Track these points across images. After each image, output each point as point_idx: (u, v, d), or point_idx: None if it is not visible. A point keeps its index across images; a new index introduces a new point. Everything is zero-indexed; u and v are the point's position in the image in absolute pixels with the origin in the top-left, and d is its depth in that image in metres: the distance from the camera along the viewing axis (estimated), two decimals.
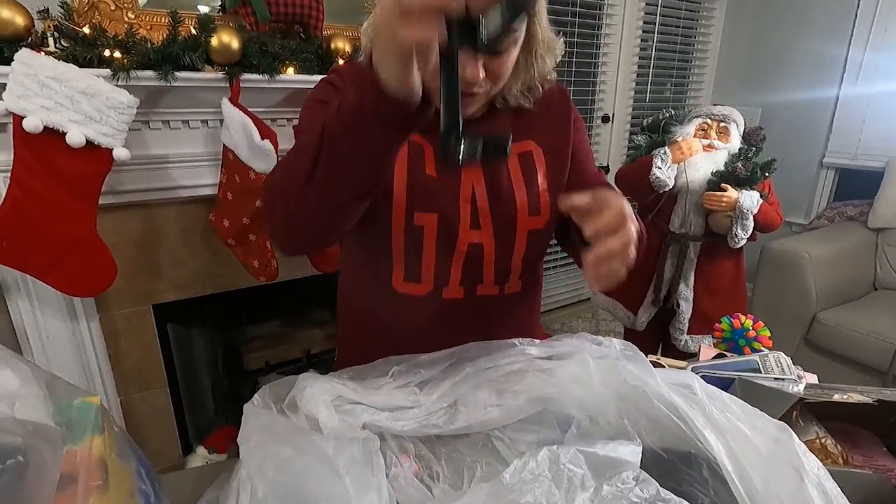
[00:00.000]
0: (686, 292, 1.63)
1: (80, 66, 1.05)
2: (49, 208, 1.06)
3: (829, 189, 2.74)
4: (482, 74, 0.59)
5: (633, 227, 0.51)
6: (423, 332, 0.71)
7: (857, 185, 2.59)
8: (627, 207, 0.52)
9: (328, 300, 2.10)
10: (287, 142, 1.35)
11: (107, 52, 1.08)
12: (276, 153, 1.22)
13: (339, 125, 0.49)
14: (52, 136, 1.01)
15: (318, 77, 1.31)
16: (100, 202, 1.16)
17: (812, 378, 0.84)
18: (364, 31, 0.68)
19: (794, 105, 2.73)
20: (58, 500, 0.41)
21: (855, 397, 0.63)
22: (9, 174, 1.05)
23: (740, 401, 0.50)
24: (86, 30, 1.08)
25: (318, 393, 0.54)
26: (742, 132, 1.56)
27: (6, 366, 0.48)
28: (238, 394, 1.89)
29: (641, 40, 2.58)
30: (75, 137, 1.02)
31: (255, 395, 0.57)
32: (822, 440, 0.67)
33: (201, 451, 1.57)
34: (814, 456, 0.44)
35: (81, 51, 1.05)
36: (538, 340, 0.68)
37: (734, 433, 0.44)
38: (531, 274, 0.78)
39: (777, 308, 2.17)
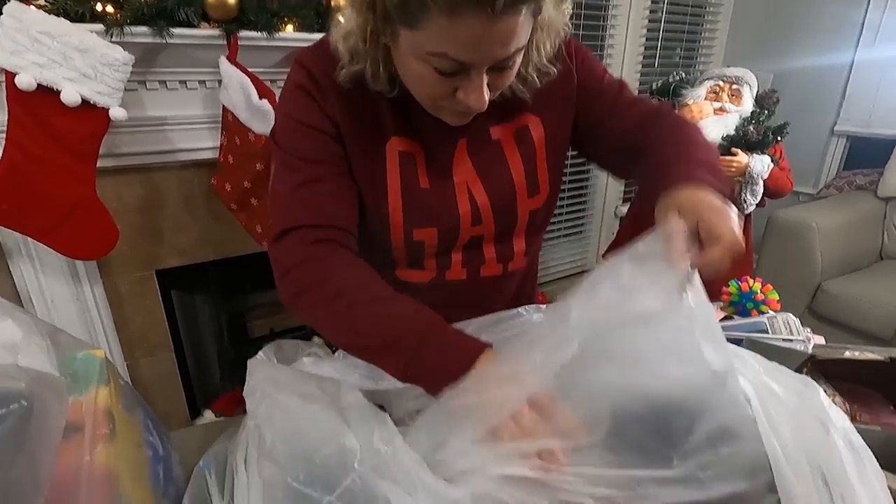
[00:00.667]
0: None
1: (72, 20, 1.01)
2: (47, 169, 1.04)
3: (840, 158, 2.68)
4: (487, 95, 0.53)
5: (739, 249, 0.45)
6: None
7: (868, 155, 2.53)
8: (735, 234, 0.45)
9: None
10: None
11: (98, 6, 1.04)
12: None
13: (402, 370, 0.50)
14: (47, 94, 0.99)
15: (318, 35, 1.28)
16: (98, 165, 1.14)
17: (819, 340, 0.84)
18: (342, 37, 0.56)
19: (806, 70, 2.64)
20: (64, 447, 0.41)
21: (867, 355, 0.63)
22: (4, 134, 1.03)
23: (761, 357, 0.49)
24: None
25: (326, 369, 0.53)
26: (755, 95, 1.52)
27: (7, 316, 0.48)
28: (243, 361, 1.88)
29: (652, 2, 2.49)
30: (70, 96, 0.99)
31: (260, 352, 0.56)
32: (832, 398, 0.67)
33: (208, 414, 1.59)
34: (838, 409, 0.43)
35: (72, 4, 1.01)
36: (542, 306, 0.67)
37: (760, 386, 0.44)
38: (535, 247, 0.76)
39: (782, 277, 2.16)
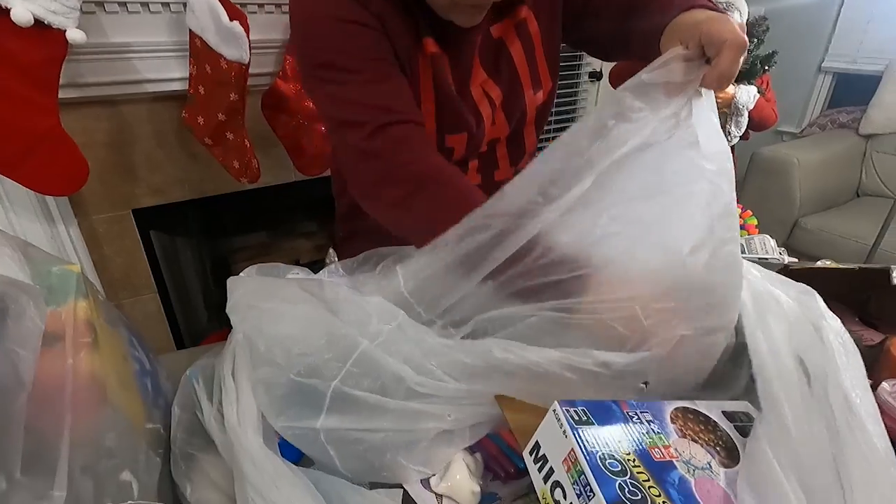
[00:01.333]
0: None
1: None
2: (7, 99, 0.98)
3: (825, 96, 2.67)
4: None
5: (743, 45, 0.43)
6: None
7: (853, 92, 2.53)
8: (737, 32, 0.43)
9: (315, 210, 2.07)
10: (260, 31, 1.25)
11: None
12: (249, 39, 1.12)
13: None
14: None
15: None
16: (61, 96, 1.08)
17: (793, 260, 0.86)
18: None
19: (797, 5, 2.58)
20: (45, 353, 0.41)
21: (838, 265, 0.65)
22: None
23: (762, 268, 0.51)
24: None
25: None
26: (745, 22, 1.48)
27: None
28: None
29: None
30: (21, 15, 0.92)
31: (242, 272, 0.55)
32: None
33: None
34: (834, 315, 0.45)
35: None
36: None
37: (758, 290, 0.45)
38: (534, 145, 0.78)
39: (761, 213, 2.16)
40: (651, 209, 0.42)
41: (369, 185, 0.58)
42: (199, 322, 1.79)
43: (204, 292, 1.79)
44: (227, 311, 0.51)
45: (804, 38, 2.58)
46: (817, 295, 0.50)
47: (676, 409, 0.44)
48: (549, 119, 0.78)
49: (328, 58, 0.55)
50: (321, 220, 2.03)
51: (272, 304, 0.46)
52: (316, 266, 1.98)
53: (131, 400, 0.48)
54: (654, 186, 0.42)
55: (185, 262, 1.70)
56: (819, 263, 0.65)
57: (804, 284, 0.52)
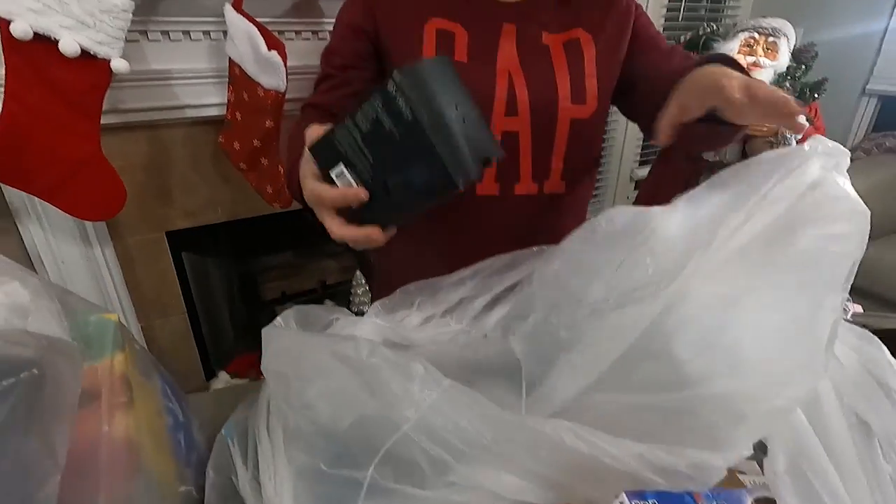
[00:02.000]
0: None
1: None
2: (49, 124, 1.00)
3: (870, 119, 2.56)
4: None
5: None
6: (458, 236, 0.71)
7: None
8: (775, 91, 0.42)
9: None
10: (297, 58, 1.25)
11: None
12: (286, 68, 1.12)
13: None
14: (45, 43, 0.93)
15: None
16: (103, 122, 1.09)
17: (858, 308, 0.80)
18: None
19: (839, 26, 2.49)
20: (80, 417, 0.39)
21: None
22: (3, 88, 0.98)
23: None
24: None
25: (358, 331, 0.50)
26: (792, 48, 1.42)
27: (14, 279, 0.45)
28: (256, 323, 1.90)
29: None
30: (68, 45, 0.93)
31: (278, 318, 0.53)
32: None
33: (223, 375, 1.60)
34: None
35: None
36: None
37: None
38: (577, 174, 0.73)
39: None
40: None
41: None
42: (227, 341, 1.79)
43: (231, 312, 1.79)
44: (262, 368, 0.49)
45: (847, 59, 2.48)
46: (882, 345, 0.45)
47: (757, 498, 0.40)
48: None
49: (324, 60, 0.72)
50: None
51: (302, 371, 0.44)
52: (342, 286, 1.96)
53: (165, 461, 0.46)
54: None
55: (214, 282, 1.71)
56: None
57: (865, 329, 0.46)
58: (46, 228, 1.21)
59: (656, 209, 0.46)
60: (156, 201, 1.35)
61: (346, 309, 0.58)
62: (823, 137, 0.41)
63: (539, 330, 0.55)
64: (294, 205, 1.40)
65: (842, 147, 0.41)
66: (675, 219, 0.44)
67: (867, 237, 0.36)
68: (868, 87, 2.49)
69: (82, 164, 1.06)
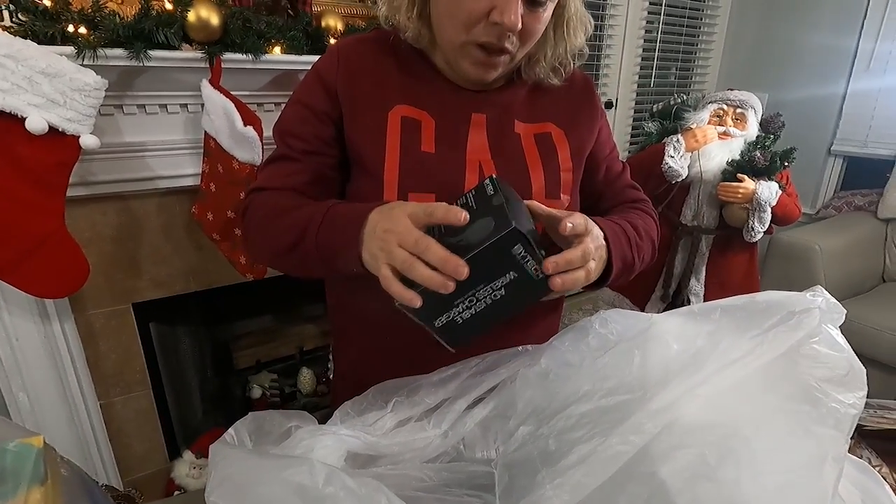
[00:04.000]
0: (697, 287, 1.56)
1: (41, 42, 0.94)
2: (10, 202, 0.96)
3: (837, 178, 2.66)
4: (519, 20, 0.55)
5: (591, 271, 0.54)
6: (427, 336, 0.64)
7: (865, 174, 2.51)
8: (594, 244, 0.54)
9: (321, 294, 2.02)
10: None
11: (70, 28, 0.97)
12: (262, 141, 1.12)
13: (317, 256, 0.57)
14: (10, 121, 0.91)
15: (308, 58, 1.21)
16: (70, 194, 1.06)
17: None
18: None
19: (802, 91, 2.63)
20: None
21: None
22: None
23: None
24: (47, 2, 0.96)
25: (322, 453, 0.45)
26: (759, 119, 1.48)
27: None
28: (228, 394, 1.81)
29: (647, 22, 2.47)
30: (36, 123, 0.91)
31: (230, 430, 0.48)
32: (877, 468, 0.60)
33: (188, 455, 1.48)
34: None
35: (42, 26, 0.94)
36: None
37: None
38: None
39: None
40: None
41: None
42: (195, 417, 1.68)
43: (201, 384, 1.70)
44: (206, 497, 0.43)
45: (812, 123, 2.61)
46: (882, 480, 0.41)
47: None
48: None
49: (279, 134, 0.68)
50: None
51: None
52: (320, 352, 1.88)
53: None
54: None
55: (183, 353, 1.62)
56: None
57: (864, 462, 0.44)
58: (1, 304, 1.14)
59: (656, 316, 0.45)
60: (123, 272, 1.30)
61: (305, 413, 0.53)
62: (824, 291, 0.42)
63: (521, 443, 0.50)
64: (269, 272, 1.36)
65: (840, 305, 0.42)
66: (671, 328, 0.42)
67: (866, 395, 0.36)
68: (833, 148, 2.60)
69: (43, 241, 1.01)
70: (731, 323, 0.42)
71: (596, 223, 0.57)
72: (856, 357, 0.39)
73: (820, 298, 0.42)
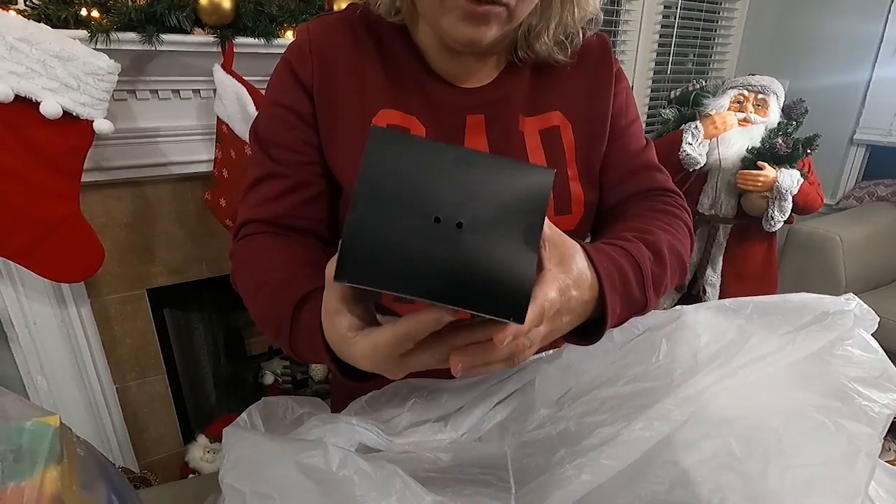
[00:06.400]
0: (713, 278, 1.53)
1: (54, 26, 0.93)
2: (26, 186, 0.96)
3: (859, 167, 2.59)
4: None
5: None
6: None
7: (888, 164, 2.44)
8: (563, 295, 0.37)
9: None
10: None
11: (84, 12, 0.96)
12: None
13: (295, 352, 0.46)
14: (25, 105, 0.91)
15: None
16: (85, 180, 1.07)
17: None
18: None
19: (823, 78, 2.56)
20: None
21: None
22: None
23: None
24: None
25: (332, 440, 0.44)
26: (781, 105, 1.44)
27: None
28: (241, 379, 1.83)
29: (664, 7, 2.41)
30: (51, 107, 0.92)
31: (243, 414, 0.48)
32: None
33: (202, 439, 1.50)
34: None
35: (55, 9, 0.94)
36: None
37: None
38: None
39: (804, 292, 2.07)
40: None
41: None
42: (208, 402, 1.70)
43: (214, 370, 1.72)
44: (219, 477, 0.43)
45: (834, 110, 2.53)
46: None
47: None
48: None
49: (256, 138, 0.58)
50: None
51: (262, 487, 0.38)
52: None
53: None
54: None
55: (196, 339, 1.64)
56: None
57: None
58: (20, 290, 1.15)
59: (685, 308, 0.44)
60: (138, 258, 1.31)
61: (318, 400, 0.53)
62: (857, 297, 0.42)
63: (539, 423, 0.50)
64: None
65: (873, 312, 0.41)
66: (701, 320, 0.41)
67: None
68: (856, 136, 2.53)
69: (59, 225, 1.02)
70: (762, 319, 0.41)
71: (591, 260, 0.40)
72: (889, 361, 0.38)
73: (854, 303, 0.41)
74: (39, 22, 0.92)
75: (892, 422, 0.57)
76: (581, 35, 0.56)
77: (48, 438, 0.42)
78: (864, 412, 0.32)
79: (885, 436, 0.59)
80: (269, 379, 1.79)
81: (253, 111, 1.05)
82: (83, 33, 0.95)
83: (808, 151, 1.38)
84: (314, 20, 0.57)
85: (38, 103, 0.92)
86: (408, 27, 0.56)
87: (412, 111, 0.55)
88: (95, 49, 0.96)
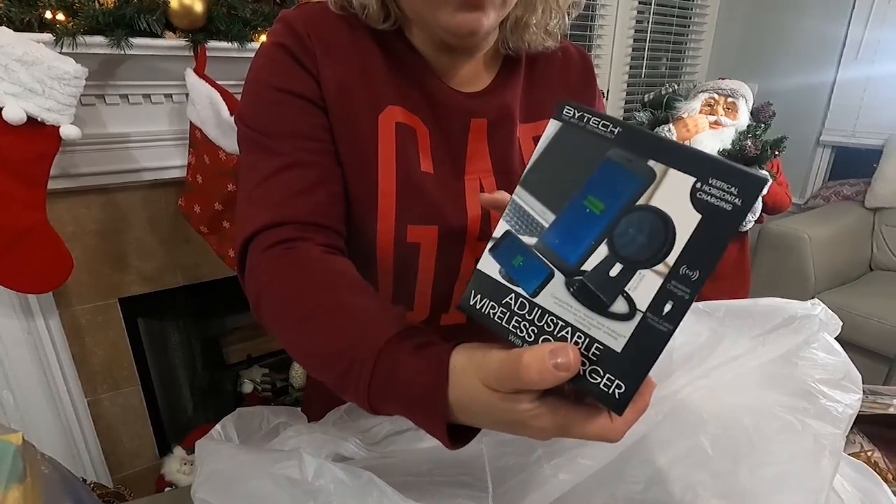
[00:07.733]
0: None
1: (17, 30, 0.91)
2: None
3: (825, 168, 2.68)
4: None
5: None
6: None
7: (853, 164, 2.54)
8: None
9: None
10: None
11: (48, 14, 0.94)
12: None
13: (373, 404, 0.36)
14: None
15: None
16: (52, 187, 1.04)
17: None
18: None
19: (791, 81, 2.64)
20: None
21: None
22: None
23: None
24: None
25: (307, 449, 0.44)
26: (750, 108, 1.48)
27: None
28: (219, 389, 1.79)
29: (638, 12, 2.46)
30: (13, 113, 0.89)
31: (217, 426, 0.47)
32: (869, 453, 0.60)
33: (179, 451, 1.47)
34: None
35: (18, 12, 0.91)
36: None
37: None
38: None
39: (774, 291, 2.13)
40: None
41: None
42: (185, 413, 1.66)
43: (191, 380, 1.68)
44: (192, 491, 0.42)
45: (801, 113, 2.62)
46: (881, 480, 0.42)
47: None
48: None
49: (255, 128, 0.49)
50: None
51: (235, 502, 0.37)
52: None
53: None
54: None
55: (172, 348, 1.60)
56: (892, 410, 0.56)
57: (864, 464, 0.44)
58: None
59: None
60: (109, 267, 1.27)
61: (296, 410, 0.52)
62: (822, 304, 0.43)
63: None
64: None
65: (837, 317, 0.43)
66: None
67: (861, 399, 0.36)
68: (822, 138, 2.62)
69: (24, 234, 0.99)
70: (734, 322, 0.42)
71: None
72: (852, 363, 0.40)
73: (819, 308, 0.43)
74: (1, 25, 0.89)
75: (858, 415, 0.59)
76: (567, 18, 0.55)
77: (9, 457, 0.40)
78: (828, 412, 0.34)
79: (851, 429, 0.61)
80: (248, 387, 1.76)
81: (227, 115, 1.03)
82: (48, 37, 0.93)
83: (777, 153, 1.42)
84: (296, 8, 0.53)
85: (0, 109, 0.89)
86: (402, 27, 0.53)
87: (417, 111, 0.52)
88: (61, 53, 0.93)
